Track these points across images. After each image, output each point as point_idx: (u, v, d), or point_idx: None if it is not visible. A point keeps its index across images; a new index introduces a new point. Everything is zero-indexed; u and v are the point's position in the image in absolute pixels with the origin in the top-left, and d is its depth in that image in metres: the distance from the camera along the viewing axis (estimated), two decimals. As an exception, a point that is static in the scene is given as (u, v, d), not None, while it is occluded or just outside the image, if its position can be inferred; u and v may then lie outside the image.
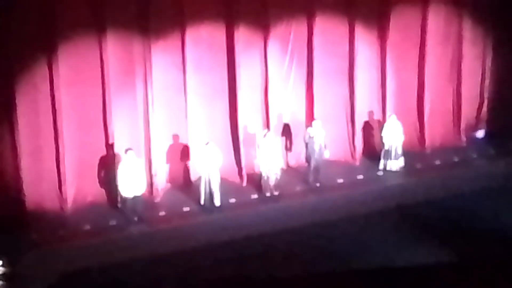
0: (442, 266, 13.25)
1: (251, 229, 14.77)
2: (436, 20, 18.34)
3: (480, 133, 19.66)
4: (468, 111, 19.30)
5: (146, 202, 15.43)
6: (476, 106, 19.57)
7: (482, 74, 19.43)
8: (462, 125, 19.12)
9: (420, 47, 18.26)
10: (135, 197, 14.74)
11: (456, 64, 18.84)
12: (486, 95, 19.50)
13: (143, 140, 15.89)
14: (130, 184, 14.61)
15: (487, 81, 19.42)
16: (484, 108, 19.57)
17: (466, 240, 14.21)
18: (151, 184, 15.87)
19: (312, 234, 14.75)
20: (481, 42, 19.22)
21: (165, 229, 14.81)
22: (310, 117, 17.36)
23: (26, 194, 14.89)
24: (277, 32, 16.93)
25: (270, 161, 15.95)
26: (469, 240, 14.21)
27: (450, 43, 18.72)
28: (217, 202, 15.45)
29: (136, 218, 14.85)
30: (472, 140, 19.30)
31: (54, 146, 15.06)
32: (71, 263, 13.45)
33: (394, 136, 17.24)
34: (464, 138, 19.14)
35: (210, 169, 15.36)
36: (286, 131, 17.56)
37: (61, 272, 13.26)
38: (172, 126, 16.32)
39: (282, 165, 16.87)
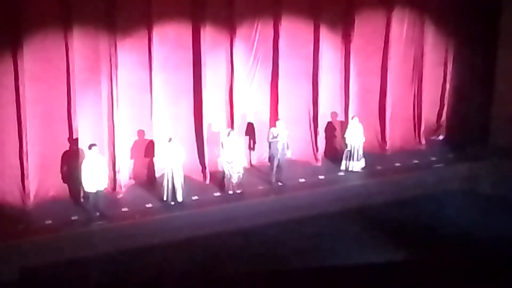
0: (398, 266, 13.39)
1: (213, 227, 14.81)
2: (399, 26, 18.67)
3: (440, 137, 19.98)
4: (428, 115, 19.61)
5: (109, 198, 15.40)
6: (436, 111, 19.95)
7: (443, 80, 19.80)
8: (422, 129, 19.36)
9: (383, 52, 18.49)
10: (97, 192, 14.67)
11: (417, 69, 19.14)
12: (446, 100, 19.84)
13: (107, 136, 15.84)
14: (93, 179, 14.53)
15: (447, 87, 19.76)
16: (444, 113, 19.93)
17: (422, 241, 14.42)
18: (114, 180, 15.83)
19: (272, 233, 14.84)
20: (443, 48, 19.62)
21: (127, 225, 14.71)
22: (273, 117, 17.44)
23: (-13, 188, 14.91)
24: (243, 32, 17.03)
25: (233, 160, 15.98)
26: (425, 241, 14.42)
27: (412, 49, 19.03)
28: (179, 198, 15.47)
29: (98, 214, 14.73)
30: (432, 143, 19.54)
31: (17, 140, 14.86)
32: (32, 258, 13.34)
33: (356, 138, 17.40)
34: (423, 142, 19.38)
35: (172, 165, 15.36)
36: (250, 130, 17.65)
37: (22, 267, 13.12)
38: (137, 124, 16.33)
39: (245, 164, 17.00)
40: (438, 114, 19.99)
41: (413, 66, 19.12)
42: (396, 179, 17.35)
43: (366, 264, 13.47)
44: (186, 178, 15.79)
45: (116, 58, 15.47)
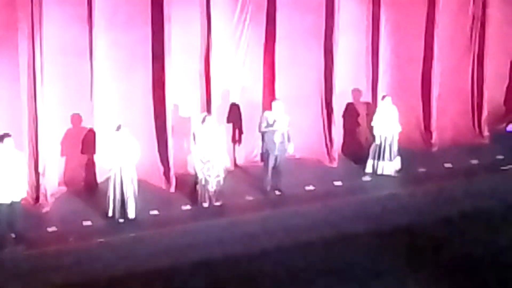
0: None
1: (180, 255, 14.71)
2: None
3: (510, 127, 20.41)
4: (493, 95, 19.86)
5: (30, 213, 15.44)
6: (505, 88, 20.40)
7: (515, 44, 19.90)
8: (484, 115, 19.64)
9: (428, 2, 18.59)
10: (12, 204, 14.63)
11: (478, 28, 19.30)
12: (519, 73, 20.08)
13: (27, 123, 15.86)
14: (6, 185, 14.46)
15: (521, 53, 20.02)
16: (516, 92, 19.82)
17: (491, 278, 14.15)
18: (37, 187, 15.88)
19: (266, 264, 14.61)
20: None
21: (55, 252, 14.64)
22: (268, 96, 17.66)
23: None
24: (225, -27, 17.10)
25: (210, 158, 16.03)
26: (496, 278, 14.14)
27: (470, -1, 19.01)
28: (131, 213, 15.52)
29: (13, 236, 14.77)
30: (498, 136, 19.78)
31: None
32: None
33: (388, 127, 17.54)
34: (486, 133, 19.68)
35: (122, 166, 15.41)
36: (235, 115, 17.82)
37: None
38: (70, 106, 16.41)
39: (228, 164, 17.11)
40: (507, 93, 20.35)
41: (472, 24, 19.33)
42: (446, 187, 17.42)
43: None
44: (142, 184, 15.92)
45: (41, 11, 15.45)
